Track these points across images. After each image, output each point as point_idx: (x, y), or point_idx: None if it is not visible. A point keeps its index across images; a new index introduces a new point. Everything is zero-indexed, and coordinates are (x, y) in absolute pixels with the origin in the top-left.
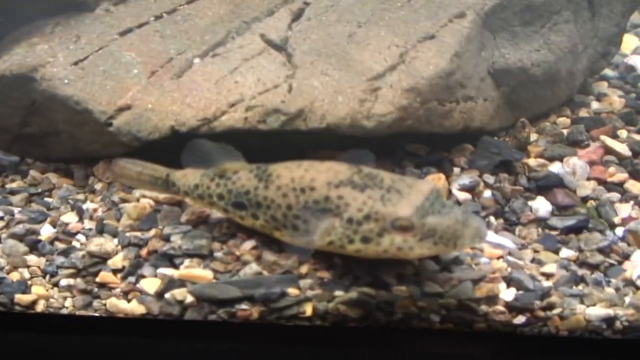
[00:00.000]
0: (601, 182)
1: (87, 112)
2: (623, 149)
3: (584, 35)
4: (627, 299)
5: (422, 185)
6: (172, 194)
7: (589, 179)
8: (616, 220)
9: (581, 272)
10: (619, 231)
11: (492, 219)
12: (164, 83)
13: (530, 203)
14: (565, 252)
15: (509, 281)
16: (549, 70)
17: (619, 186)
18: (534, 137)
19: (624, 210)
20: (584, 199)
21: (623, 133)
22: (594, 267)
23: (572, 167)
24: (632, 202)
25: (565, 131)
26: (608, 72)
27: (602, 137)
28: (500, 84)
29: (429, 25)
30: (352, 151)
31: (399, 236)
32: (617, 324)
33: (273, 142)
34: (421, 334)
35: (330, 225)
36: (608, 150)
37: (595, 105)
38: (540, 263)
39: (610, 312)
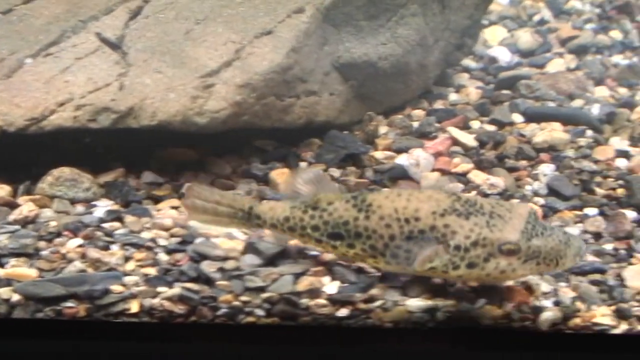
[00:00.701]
0: (445, 172)
1: None
2: (469, 139)
3: (434, 28)
4: (453, 289)
5: (520, 208)
6: (253, 227)
7: (433, 170)
8: None
9: None
10: None
11: None
12: None
13: None
14: None
15: (334, 274)
16: (398, 64)
17: (462, 176)
18: (384, 129)
19: None
20: None
21: (475, 124)
22: None
23: (416, 158)
24: (474, 192)
25: (416, 123)
26: (471, 63)
27: (449, 129)
28: (348, 78)
29: (266, 21)
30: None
31: (505, 260)
32: (439, 314)
33: (135, 138)
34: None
35: (434, 253)
36: (455, 142)
37: (453, 96)
38: None
39: (431, 303)
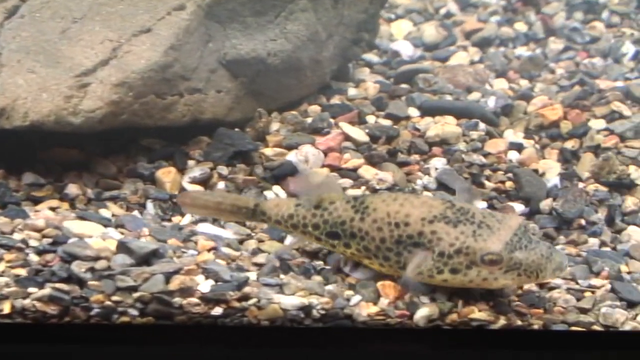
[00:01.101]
0: (335, 168)
1: None
2: (360, 135)
3: (326, 23)
4: (330, 287)
5: (510, 220)
6: (258, 222)
7: (323, 166)
8: None
9: (299, 260)
10: None
11: None
12: None
13: (265, 193)
14: (290, 240)
15: (208, 273)
16: (289, 59)
17: (352, 172)
18: (276, 126)
19: None
20: None
21: (371, 118)
22: (312, 255)
23: (305, 155)
24: (363, 187)
25: (310, 119)
26: (374, 58)
27: (341, 124)
28: (237, 75)
29: (146, 19)
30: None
31: (486, 269)
32: (314, 312)
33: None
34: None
35: (423, 258)
36: (347, 137)
37: (352, 91)
38: (256, 253)
39: (305, 301)
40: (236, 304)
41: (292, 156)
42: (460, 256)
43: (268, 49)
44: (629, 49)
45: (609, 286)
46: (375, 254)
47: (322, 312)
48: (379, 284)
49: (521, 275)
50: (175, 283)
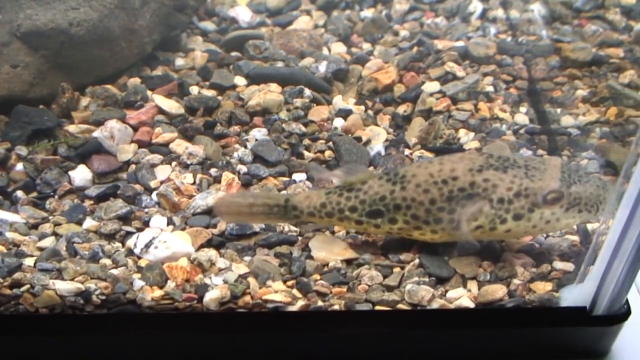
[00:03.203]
0: (145, 144)
1: None
2: (172, 107)
3: None
4: (114, 271)
5: (552, 161)
6: (291, 220)
7: (133, 141)
8: (153, 183)
9: (93, 244)
10: (155, 195)
11: (19, 193)
12: None
13: (70, 173)
14: (88, 223)
15: None
16: (96, 30)
17: (164, 147)
18: (86, 101)
19: (164, 172)
20: (127, 163)
21: (195, 89)
22: (110, 237)
23: (110, 130)
24: (174, 163)
25: (124, 93)
26: (209, 25)
27: (154, 96)
28: (37, 48)
29: None
30: None
31: (548, 209)
32: (94, 298)
33: None
34: None
35: (478, 209)
36: (161, 110)
37: (179, 61)
38: (45, 237)
39: (81, 286)
40: (7, 291)
41: (98, 133)
42: (520, 199)
43: (70, 18)
44: (476, 7)
45: (417, 261)
46: (426, 219)
47: (102, 297)
48: (166, 265)
49: (582, 211)
50: None
